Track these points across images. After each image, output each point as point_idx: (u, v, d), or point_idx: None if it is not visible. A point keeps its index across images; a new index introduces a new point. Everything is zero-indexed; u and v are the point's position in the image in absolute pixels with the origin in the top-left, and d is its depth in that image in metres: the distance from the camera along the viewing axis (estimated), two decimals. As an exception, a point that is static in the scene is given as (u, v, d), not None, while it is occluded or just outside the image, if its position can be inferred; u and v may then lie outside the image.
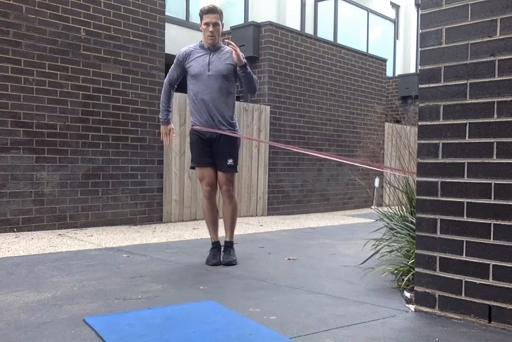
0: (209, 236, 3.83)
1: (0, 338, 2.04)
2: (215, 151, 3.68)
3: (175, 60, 3.77)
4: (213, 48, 3.68)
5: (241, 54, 3.59)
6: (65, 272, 3.29)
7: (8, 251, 3.99)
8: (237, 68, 3.63)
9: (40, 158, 5.12)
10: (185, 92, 6.78)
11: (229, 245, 3.76)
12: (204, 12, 3.64)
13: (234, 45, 3.57)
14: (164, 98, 3.88)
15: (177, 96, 6.28)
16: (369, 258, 3.40)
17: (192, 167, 3.81)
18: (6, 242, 4.41)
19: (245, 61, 3.64)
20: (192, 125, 3.74)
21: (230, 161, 3.66)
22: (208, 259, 3.65)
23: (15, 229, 4.94)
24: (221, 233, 3.86)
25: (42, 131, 5.12)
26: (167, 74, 3.87)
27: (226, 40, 3.71)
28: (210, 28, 3.60)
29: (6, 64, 4.88)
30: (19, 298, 2.64)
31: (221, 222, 3.86)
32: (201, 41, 3.73)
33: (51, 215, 5.20)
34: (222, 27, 3.73)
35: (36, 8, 5.06)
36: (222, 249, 3.74)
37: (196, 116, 3.69)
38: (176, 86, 3.91)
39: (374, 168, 3.56)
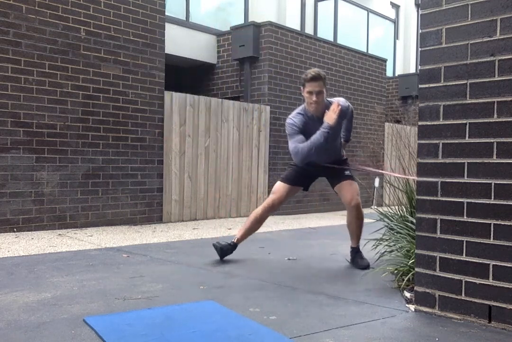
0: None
1: (0, 338, 2.04)
2: (327, 176, 3.74)
3: (294, 128, 3.55)
4: (317, 115, 3.55)
5: (334, 117, 3.44)
6: (65, 272, 3.29)
7: (8, 251, 3.98)
8: (323, 124, 3.46)
9: (40, 158, 5.12)
10: (185, 92, 6.77)
11: (358, 250, 3.73)
12: (307, 80, 3.47)
13: (337, 109, 3.44)
14: (308, 145, 3.47)
15: (177, 96, 6.29)
16: (377, 260, 3.41)
17: (282, 181, 3.75)
18: (6, 242, 4.41)
19: (331, 125, 3.44)
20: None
21: (347, 172, 3.70)
22: (220, 247, 3.71)
23: (15, 229, 4.94)
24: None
25: (42, 131, 5.12)
26: (294, 142, 3.54)
27: (332, 102, 3.57)
28: (314, 98, 3.46)
29: (6, 64, 4.88)
30: (19, 298, 2.64)
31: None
32: (305, 106, 3.60)
33: (51, 215, 5.20)
34: (326, 91, 3.57)
35: (36, 8, 5.06)
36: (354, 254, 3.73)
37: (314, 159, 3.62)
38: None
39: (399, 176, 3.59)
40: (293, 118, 3.60)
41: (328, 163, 3.68)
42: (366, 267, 3.51)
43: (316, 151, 3.45)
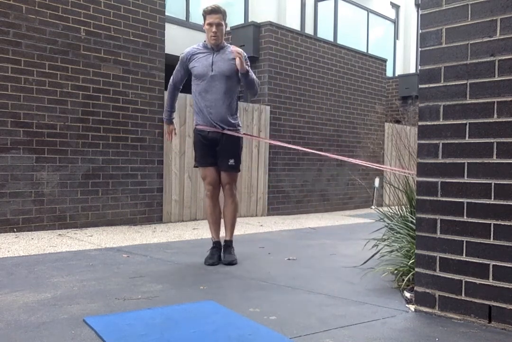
0: (210, 236, 3.83)
1: (0, 338, 2.04)
2: (217, 151, 3.69)
3: (179, 61, 3.78)
4: (216, 48, 3.68)
5: (244, 62, 3.58)
6: (65, 272, 3.29)
7: (8, 251, 3.98)
8: (239, 74, 3.63)
9: (40, 159, 5.12)
10: (185, 92, 6.77)
11: (229, 244, 3.77)
12: (207, 13, 3.63)
13: (239, 52, 3.53)
14: (168, 98, 3.92)
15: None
16: (370, 258, 3.41)
17: (196, 166, 3.85)
18: (6, 242, 4.41)
19: (248, 68, 3.63)
20: (196, 125, 3.75)
21: (231, 161, 3.68)
22: (206, 259, 3.66)
23: (15, 229, 4.94)
24: (223, 233, 3.86)
25: (42, 131, 5.12)
26: (172, 75, 3.87)
27: (230, 45, 3.69)
28: (213, 29, 3.60)
29: (6, 64, 4.88)
30: (19, 298, 2.64)
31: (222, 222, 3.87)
32: (205, 41, 3.74)
33: (51, 215, 5.20)
34: (226, 26, 3.72)
35: (36, 8, 5.06)
36: (222, 249, 3.74)
37: (199, 116, 3.71)
38: (181, 87, 3.92)
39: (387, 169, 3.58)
40: (186, 49, 3.76)
41: (217, 124, 3.64)
42: (231, 262, 3.59)
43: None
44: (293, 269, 3.54)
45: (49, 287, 2.88)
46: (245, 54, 3.66)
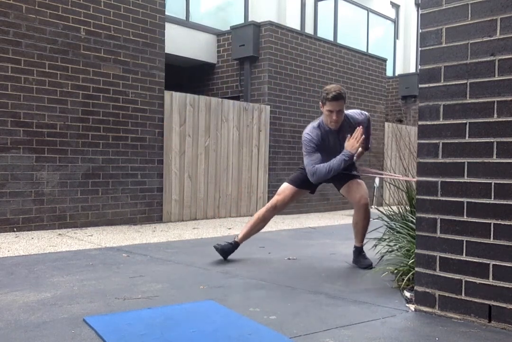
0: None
1: (0, 338, 2.04)
2: (333, 179, 3.65)
3: (311, 146, 3.49)
4: (336, 129, 3.54)
5: (357, 145, 3.43)
6: (65, 272, 3.29)
7: (8, 251, 3.98)
8: (344, 149, 3.45)
9: (40, 158, 5.12)
10: (185, 92, 6.76)
11: (361, 250, 3.69)
12: (328, 100, 3.41)
13: (360, 137, 3.41)
14: (328, 167, 3.46)
15: (177, 96, 6.28)
16: (379, 261, 3.42)
17: (289, 183, 3.73)
18: (6, 241, 4.41)
19: (352, 153, 3.43)
20: None
21: (354, 171, 3.67)
22: (220, 248, 3.72)
23: (15, 229, 4.94)
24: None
25: (42, 131, 5.12)
26: (310, 160, 3.49)
27: (349, 115, 3.58)
28: (334, 117, 3.44)
29: (6, 64, 4.88)
30: (19, 297, 2.64)
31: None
32: (322, 121, 3.57)
33: (51, 215, 5.20)
34: (344, 110, 3.53)
35: (36, 7, 5.06)
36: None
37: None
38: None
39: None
40: (311, 133, 3.54)
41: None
42: (369, 266, 3.50)
43: (333, 174, 3.46)
44: (293, 269, 3.54)
45: (49, 287, 2.88)
46: (365, 119, 3.61)
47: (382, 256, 3.33)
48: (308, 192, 3.86)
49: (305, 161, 3.55)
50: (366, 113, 3.78)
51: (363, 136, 3.45)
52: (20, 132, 4.98)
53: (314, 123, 3.63)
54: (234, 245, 3.79)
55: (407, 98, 11.71)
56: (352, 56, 8.87)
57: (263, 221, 3.79)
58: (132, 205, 5.86)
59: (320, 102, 3.54)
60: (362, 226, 3.63)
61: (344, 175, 3.64)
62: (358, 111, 3.75)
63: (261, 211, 3.78)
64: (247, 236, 3.83)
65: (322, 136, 3.53)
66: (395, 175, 4.07)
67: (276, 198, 3.74)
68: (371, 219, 3.63)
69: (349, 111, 3.67)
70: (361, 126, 3.48)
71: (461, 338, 2.09)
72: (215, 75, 8.16)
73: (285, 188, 3.73)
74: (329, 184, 3.86)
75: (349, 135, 3.49)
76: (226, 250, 3.75)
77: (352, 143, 3.43)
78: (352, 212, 3.81)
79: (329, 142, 3.55)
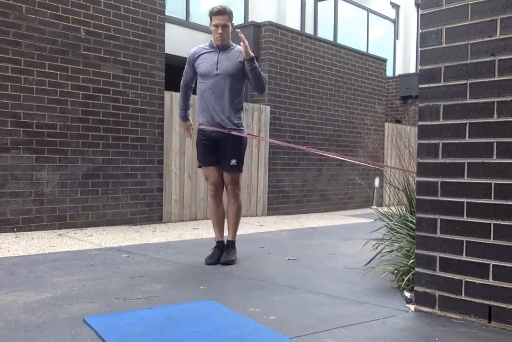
0: (210, 236, 3.84)
1: (0, 338, 2.04)
2: (220, 151, 3.69)
3: (187, 60, 3.82)
4: (222, 47, 3.69)
5: (249, 48, 3.58)
6: (65, 272, 3.29)
7: (8, 251, 3.98)
8: (245, 62, 3.61)
9: (40, 158, 5.12)
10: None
11: (231, 244, 3.78)
12: (213, 14, 3.62)
13: (243, 37, 3.54)
14: (181, 98, 3.95)
15: (177, 96, 6.28)
16: (371, 260, 3.41)
17: (199, 167, 3.85)
18: (6, 242, 4.41)
19: (253, 55, 3.62)
20: (199, 125, 3.76)
21: (233, 161, 3.67)
22: (206, 258, 3.67)
23: (15, 229, 4.94)
24: (225, 232, 3.85)
25: (42, 131, 5.12)
26: (182, 76, 3.90)
27: (237, 30, 3.68)
28: (219, 30, 3.60)
29: (6, 64, 4.88)
30: (19, 298, 2.64)
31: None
32: (211, 41, 3.75)
33: (51, 215, 5.20)
34: (232, 27, 3.71)
35: (36, 8, 5.06)
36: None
37: (202, 116, 3.73)
38: (193, 86, 3.92)
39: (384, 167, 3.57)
40: (192, 50, 3.81)
41: (220, 124, 3.64)
42: (227, 262, 3.59)
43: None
44: (293, 269, 3.54)
45: (49, 287, 2.88)
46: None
47: (380, 256, 3.32)
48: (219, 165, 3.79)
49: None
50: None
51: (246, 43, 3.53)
52: (20, 132, 4.98)
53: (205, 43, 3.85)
54: (220, 246, 3.77)
55: (407, 99, 11.71)
56: (352, 56, 8.87)
57: (218, 205, 3.82)
58: (132, 205, 5.86)
59: (209, 23, 3.70)
60: (231, 218, 3.79)
61: (227, 156, 3.65)
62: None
63: (210, 203, 3.88)
64: (220, 228, 3.84)
65: (203, 53, 3.72)
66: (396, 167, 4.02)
67: (209, 187, 3.85)
68: (373, 220, 3.62)
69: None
70: (240, 33, 3.57)
71: (461, 338, 2.09)
72: (215, 76, 8.15)
73: (203, 172, 3.83)
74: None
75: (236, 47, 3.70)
76: (217, 257, 3.68)
77: (246, 51, 3.53)
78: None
79: (208, 58, 3.68)
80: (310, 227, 6.12)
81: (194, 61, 3.75)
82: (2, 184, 4.87)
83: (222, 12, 3.61)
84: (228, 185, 3.76)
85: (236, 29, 3.70)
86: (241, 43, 3.54)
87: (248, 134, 4.00)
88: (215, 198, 3.79)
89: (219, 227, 3.83)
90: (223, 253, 3.72)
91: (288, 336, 2.09)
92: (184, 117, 3.99)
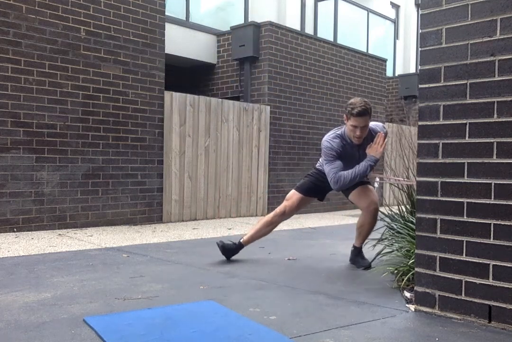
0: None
1: (0, 338, 2.04)
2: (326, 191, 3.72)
3: (332, 154, 3.44)
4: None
5: (380, 150, 3.43)
6: (65, 272, 3.29)
7: (8, 251, 3.98)
8: (367, 153, 3.46)
9: (40, 158, 5.12)
10: (185, 92, 6.75)
11: (359, 250, 3.71)
12: (354, 115, 3.31)
13: (383, 142, 3.40)
14: (353, 173, 3.42)
15: (177, 96, 6.29)
16: (373, 260, 3.42)
17: (296, 189, 3.75)
18: (6, 242, 4.41)
19: (377, 158, 3.44)
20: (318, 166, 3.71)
21: (365, 178, 3.60)
22: (225, 245, 3.75)
23: (15, 229, 4.94)
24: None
25: (42, 131, 5.12)
26: (334, 169, 3.43)
27: (373, 128, 3.52)
28: (357, 132, 3.36)
29: (6, 64, 4.88)
30: (19, 298, 2.64)
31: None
32: (345, 132, 3.48)
33: (51, 215, 5.20)
34: (369, 124, 3.47)
35: (36, 8, 5.06)
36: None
37: None
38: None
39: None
40: (331, 141, 3.46)
41: None
42: (367, 266, 3.50)
43: (358, 180, 3.45)
44: (293, 269, 3.54)
45: (49, 287, 2.88)
46: (385, 132, 3.53)
47: (380, 256, 3.33)
48: (317, 199, 3.86)
49: (326, 170, 3.48)
50: (386, 127, 3.73)
51: (386, 141, 3.42)
52: (20, 132, 4.98)
53: (337, 131, 3.54)
54: (238, 246, 3.78)
55: (407, 99, 11.71)
56: (352, 56, 8.87)
57: (271, 225, 3.78)
58: (132, 205, 5.86)
59: (344, 115, 3.45)
60: (367, 229, 3.62)
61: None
62: (381, 124, 3.68)
63: (269, 216, 3.78)
64: (252, 238, 3.82)
65: (343, 146, 3.46)
66: (397, 178, 4.04)
67: (284, 204, 3.74)
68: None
69: (372, 124, 3.56)
70: (381, 132, 3.45)
71: (461, 338, 2.09)
72: (215, 76, 8.16)
73: (293, 194, 3.74)
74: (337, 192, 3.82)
75: (371, 142, 3.47)
76: (227, 249, 3.74)
77: (376, 148, 3.42)
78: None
79: (348, 153, 3.49)
80: (310, 227, 6.12)
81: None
82: (2, 184, 4.87)
83: (363, 114, 3.29)
84: (373, 199, 3.55)
85: (380, 133, 3.46)
86: (377, 148, 3.40)
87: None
88: (281, 216, 3.73)
89: (257, 234, 3.81)
90: (235, 253, 3.78)
91: (288, 336, 2.09)
92: (369, 159, 3.50)
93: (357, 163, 3.44)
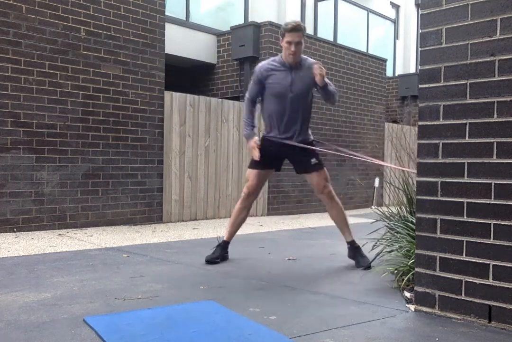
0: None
1: (0, 338, 2.04)
2: (291, 160, 3.67)
3: (253, 76, 3.65)
4: (294, 65, 3.57)
5: (325, 76, 3.48)
6: (65, 272, 3.29)
7: (8, 251, 3.98)
8: (318, 88, 3.55)
9: (40, 158, 5.12)
10: (185, 92, 6.75)
11: (355, 245, 3.68)
12: (287, 30, 3.46)
13: (321, 67, 3.44)
14: (247, 115, 3.74)
15: (177, 96, 6.29)
16: (373, 260, 3.42)
17: (249, 167, 3.76)
18: (6, 242, 4.41)
19: (327, 81, 3.53)
20: (267, 133, 3.69)
21: (313, 160, 3.59)
22: (207, 256, 3.68)
23: (15, 229, 4.94)
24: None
25: (42, 131, 5.12)
26: (248, 90, 3.75)
27: (307, 58, 3.61)
28: (292, 48, 3.46)
29: (6, 64, 4.88)
30: (19, 298, 2.64)
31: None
32: (281, 56, 3.60)
33: (51, 215, 5.20)
34: (304, 43, 3.59)
35: (36, 8, 5.06)
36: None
37: (272, 131, 3.64)
38: (258, 102, 3.77)
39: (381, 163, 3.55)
40: (260, 65, 3.65)
41: (292, 142, 3.59)
42: (367, 266, 3.47)
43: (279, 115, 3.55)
44: (293, 269, 3.54)
45: (49, 287, 2.88)
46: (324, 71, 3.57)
47: (380, 256, 3.32)
48: (274, 171, 3.80)
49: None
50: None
51: (323, 70, 3.46)
52: (20, 132, 4.98)
53: (272, 57, 3.72)
54: (223, 245, 3.76)
55: (407, 99, 11.72)
56: (352, 56, 8.87)
57: (243, 210, 3.76)
58: (132, 205, 5.86)
59: (280, 37, 3.58)
60: (340, 220, 3.68)
61: (304, 160, 3.61)
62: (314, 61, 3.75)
63: (238, 203, 3.78)
64: (233, 231, 3.80)
65: (272, 69, 3.58)
66: (369, 158, 3.94)
67: (245, 186, 3.74)
68: (373, 220, 3.62)
69: (303, 56, 3.69)
70: (316, 63, 3.51)
71: (461, 338, 2.09)
72: (215, 76, 8.16)
73: (249, 173, 3.74)
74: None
75: (308, 71, 3.56)
76: (217, 256, 3.68)
77: (320, 78, 3.44)
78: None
79: (279, 77, 3.56)
80: (310, 227, 6.12)
81: (265, 79, 3.58)
82: (2, 184, 4.87)
83: (297, 29, 3.45)
84: (322, 188, 3.62)
85: (308, 58, 3.60)
86: (314, 70, 3.45)
87: (316, 142, 3.87)
88: (246, 200, 3.71)
89: (233, 229, 3.79)
90: (225, 252, 3.73)
91: (288, 336, 2.09)
92: (251, 135, 3.68)
93: (291, 87, 3.52)
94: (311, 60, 3.61)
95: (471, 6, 2.28)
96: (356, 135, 8.92)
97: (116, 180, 5.71)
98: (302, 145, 3.57)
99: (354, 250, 3.67)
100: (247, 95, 3.75)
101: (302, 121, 3.62)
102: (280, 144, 3.60)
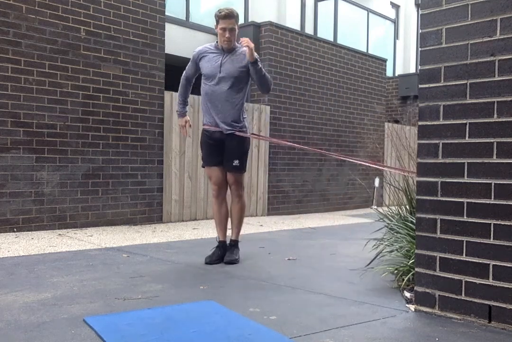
0: (210, 236, 3.84)
1: (0, 338, 2.04)
2: (224, 151, 3.71)
3: (192, 57, 3.83)
4: (227, 50, 3.71)
5: (254, 52, 3.60)
6: (65, 272, 3.29)
7: (8, 251, 3.98)
8: (249, 65, 3.63)
9: (40, 158, 5.12)
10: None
11: (234, 243, 3.79)
12: (220, 17, 3.65)
13: (248, 41, 3.56)
14: (180, 91, 3.93)
15: (176, 96, 6.27)
16: (372, 261, 3.42)
17: (203, 166, 3.86)
18: (6, 242, 4.41)
19: (257, 57, 3.64)
20: (203, 124, 3.79)
21: (236, 162, 3.68)
22: (206, 257, 3.67)
23: (15, 229, 4.94)
24: (228, 232, 3.85)
25: (42, 131, 5.12)
26: (185, 70, 3.91)
27: (241, 45, 3.71)
28: (227, 34, 3.63)
29: (6, 64, 4.88)
30: (19, 298, 2.64)
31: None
32: (217, 42, 3.76)
33: (51, 215, 5.20)
34: (238, 29, 3.76)
35: (36, 8, 5.06)
36: (226, 248, 3.76)
37: (206, 116, 3.75)
38: (193, 81, 3.94)
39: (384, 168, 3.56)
40: (198, 48, 3.82)
41: (223, 126, 3.65)
42: (229, 262, 3.60)
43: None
44: (293, 269, 3.54)
45: (49, 287, 2.88)
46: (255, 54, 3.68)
47: (380, 256, 3.32)
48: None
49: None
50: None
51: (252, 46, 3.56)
52: (20, 132, 4.98)
53: (210, 43, 3.88)
54: (221, 245, 3.77)
55: (409, 98, 11.72)
56: (352, 56, 8.87)
57: (221, 205, 3.81)
58: (132, 205, 5.86)
59: (215, 23, 3.73)
60: (237, 218, 3.80)
61: (229, 155, 3.66)
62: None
63: (213, 203, 3.86)
64: (222, 228, 3.83)
65: (207, 52, 3.74)
66: (399, 169, 3.98)
67: (211, 183, 3.86)
68: (373, 220, 3.62)
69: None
70: (244, 39, 3.62)
71: (461, 338, 2.09)
72: (215, 76, 8.15)
73: (206, 172, 3.88)
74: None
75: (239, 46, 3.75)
76: (216, 256, 3.68)
77: (250, 54, 3.55)
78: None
79: (211, 59, 3.71)
80: (310, 227, 6.12)
81: (199, 60, 3.76)
82: (2, 184, 4.87)
83: (230, 16, 3.63)
84: (231, 185, 3.77)
85: (241, 39, 3.72)
86: (242, 43, 3.56)
87: (252, 134, 4.01)
88: (217, 198, 3.81)
89: (221, 227, 3.83)
90: (225, 252, 3.72)
91: (288, 336, 2.09)
92: (182, 113, 3.94)
93: (220, 67, 3.65)
94: (245, 48, 3.68)
95: (471, 6, 2.28)
96: (356, 135, 8.92)
97: (116, 180, 5.71)
98: (235, 132, 3.65)
99: (232, 248, 3.75)
100: (183, 74, 3.91)
101: (233, 105, 3.67)
102: (215, 135, 3.69)
